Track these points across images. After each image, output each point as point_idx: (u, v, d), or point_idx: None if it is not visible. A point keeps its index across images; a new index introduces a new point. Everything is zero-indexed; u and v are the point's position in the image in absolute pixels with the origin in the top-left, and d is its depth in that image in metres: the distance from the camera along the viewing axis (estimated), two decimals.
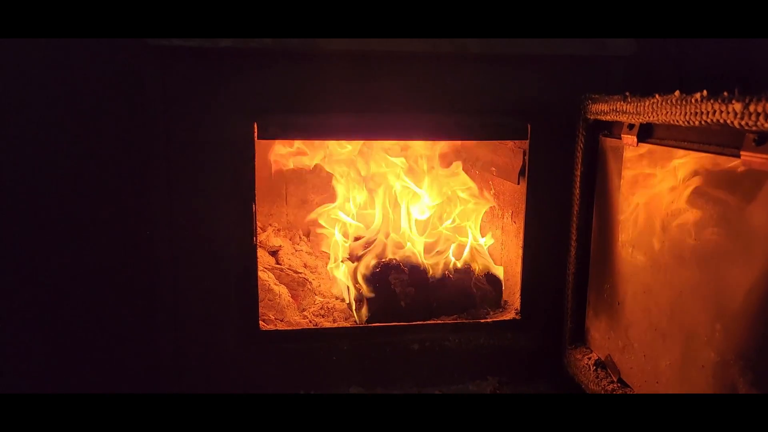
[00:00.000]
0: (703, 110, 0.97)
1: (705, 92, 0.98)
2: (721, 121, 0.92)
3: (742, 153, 0.92)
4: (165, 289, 1.42)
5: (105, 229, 1.52)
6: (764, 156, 0.88)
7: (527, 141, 1.50)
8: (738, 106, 0.88)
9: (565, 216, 1.48)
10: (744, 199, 0.94)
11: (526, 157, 1.53)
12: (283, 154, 1.85)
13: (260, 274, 1.74)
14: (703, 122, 0.97)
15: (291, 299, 1.75)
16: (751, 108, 0.86)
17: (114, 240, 1.54)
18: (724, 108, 0.92)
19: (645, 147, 1.20)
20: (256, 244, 1.44)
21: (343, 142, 1.74)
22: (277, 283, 1.76)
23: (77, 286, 1.54)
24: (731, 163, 0.96)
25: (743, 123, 0.88)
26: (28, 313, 1.53)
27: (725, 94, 0.93)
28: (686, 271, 1.08)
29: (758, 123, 0.85)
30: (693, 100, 1.00)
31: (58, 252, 1.53)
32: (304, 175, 2.12)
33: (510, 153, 1.65)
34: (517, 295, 1.62)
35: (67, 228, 1.52)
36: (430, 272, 1.69)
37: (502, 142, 1.66)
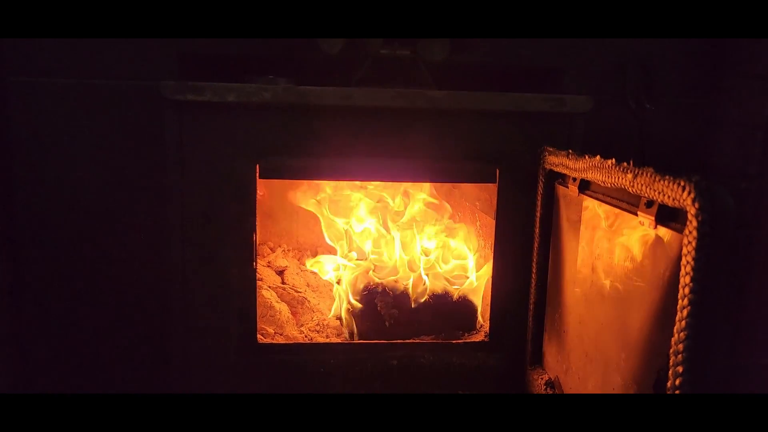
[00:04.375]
0: (612, 175, 1.17)
1: (614, 160, 1.17)
2: (622, 186, 1.12)
3: (638, 212, 1.11)
4: (176, 305, 1.65)
5: (125, 252, 1.75)
6: (650, 217, 1.07)
7: (496, 184, 1.70)
8: (630, 176, 1.08)
9: (528, 251, 1.67)
10: (639, 251, 1.13)
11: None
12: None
13: (264, 292, 1.97)
14: (612, 184, 1.17)
15: (291, 316, 1.97)
16: (638, 179, 1.06)
17: (133, 262, 1.76)
18: (622, 175, 1.11)
19: (583, 197, 1.39)
20: (255, 269, 1.67)
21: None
22: (279, 301, 1.98)
23: (101, 303, 1.77)
24: (634, 220, 1.15)
25: (634, 189, 1.08)
26: (55, 328, 1.77)
27: (624, 164, 1.12)
28: (605, 307, 1.27)
29: (642, 190, 1.05)
30: (607, 165, 1.19)
31: (86, 269, 1.76)
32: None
33: (489, 190, 1.85)
34: None
35: (95, 253, 1.75)
36: (413, 296, 1.89)
37: None
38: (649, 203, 1.07)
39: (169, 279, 1.64)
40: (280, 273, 2.23)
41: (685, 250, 0.91)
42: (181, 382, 1.68)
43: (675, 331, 0.93)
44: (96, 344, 1.78)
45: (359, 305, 1.86)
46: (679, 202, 0.93)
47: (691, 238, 0.90)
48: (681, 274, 0.92)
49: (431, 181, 1.90)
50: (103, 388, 1.78)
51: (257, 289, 1.74)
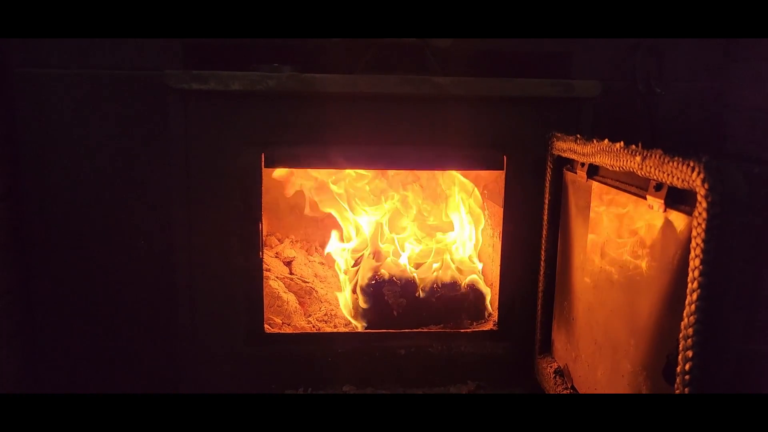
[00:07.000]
0: (621, 158, 1.14)
1: (622, 143, 1.15)
2: (630, 169, 1.10)
3: (647, 196, 1.09)
4: (184, 296, 1.64)
5: (131, 242, 1.74)
6: (660, 200, 1.05)
7: (503, 171, 1.68)
8: (638, 159, 1.06)
9: (536, 239, 1.65)
10: (649, 236, 1.11)
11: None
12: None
13: (271, 282, 1.96)
14: (620, 168, 1.15)
15: (298, 306, 1.97)
16: (647, 162, 1.03)
17: (139, 252, 1.76)
18: (631, 158, 1.09)
19: (592, 183, 1.37)
20: (262, 258, 1.66)
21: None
22: (287, 291, 1.98)
23: (112, 293, 1.77)
24: (643, 204, 1.13)
25: (642, 172, 1.06)
26: (67, 316, 1.77)
27: (633, 146, 1.10)
28: (614, 294, 1.25)
29: (651, 173, 1.03)
30: (615, 148, 1.17)
31: (94, 260, 1.76)
32: (324, 193, 2.33)
33: (497, 178, 1.83)
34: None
35: (103, 241, 1.75)
36: (421, 285, 1.88)
37: None
38: (659, 186, 1.05)
39: (175, 269, 1.64)
40: (288, 264, 2.22)
41: (694, 233, 0.89)
42: (189, 371, 1.67)
43: (685, 315, 0.91)
44: (104, 335, 1.78)
45: (366, 296, 1.85)
46: (688, 183, 0.91)
47: (700, 220, 0.88)
48: (690, 257, 0.90)
49: (437, 168, 1.88)
50: (112, 379, 1.78)
51: (265, 280, 1.74)
